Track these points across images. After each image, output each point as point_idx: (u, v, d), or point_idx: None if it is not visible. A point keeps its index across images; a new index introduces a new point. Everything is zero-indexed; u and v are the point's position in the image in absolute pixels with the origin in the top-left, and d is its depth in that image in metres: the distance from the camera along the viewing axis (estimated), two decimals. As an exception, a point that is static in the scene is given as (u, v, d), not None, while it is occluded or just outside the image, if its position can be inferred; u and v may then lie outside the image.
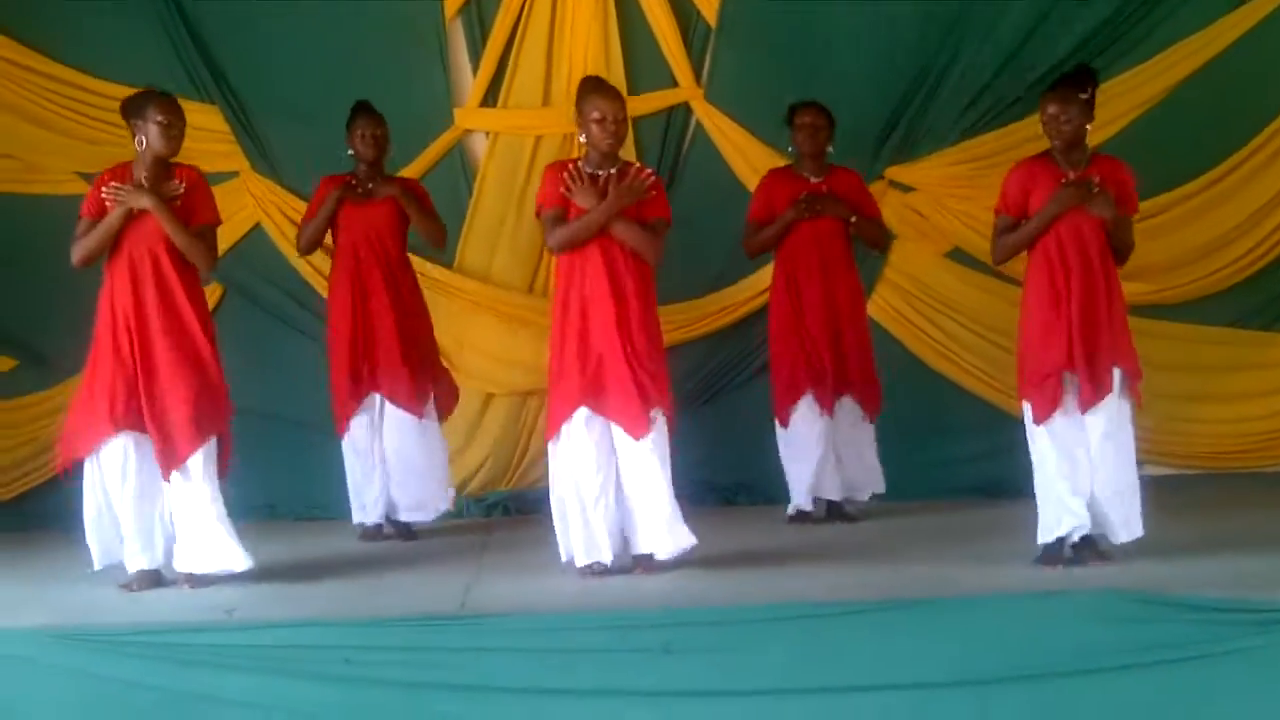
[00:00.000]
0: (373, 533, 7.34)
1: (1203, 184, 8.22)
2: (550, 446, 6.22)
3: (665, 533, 6.14)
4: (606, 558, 6.17)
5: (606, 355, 6.09)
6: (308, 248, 7.43)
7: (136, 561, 6.17)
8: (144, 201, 6.08)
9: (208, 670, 5.38)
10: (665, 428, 6.16)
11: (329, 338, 7.32)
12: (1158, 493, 7.57)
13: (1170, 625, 5.32)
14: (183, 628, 5.54)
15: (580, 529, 6.16)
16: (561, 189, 6.11)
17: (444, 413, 7.46)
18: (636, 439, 6.09)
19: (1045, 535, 6.06)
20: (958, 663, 5.34)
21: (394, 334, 7.20)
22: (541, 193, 6.22)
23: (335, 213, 7.23)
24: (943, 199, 8.22)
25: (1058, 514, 6.03)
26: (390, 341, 7.19)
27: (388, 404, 7.23)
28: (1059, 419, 6.04)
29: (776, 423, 7.34)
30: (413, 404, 7.24)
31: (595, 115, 6.11)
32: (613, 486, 6.16)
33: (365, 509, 7.32)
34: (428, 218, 7.34)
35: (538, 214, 6.26)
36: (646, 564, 6.21)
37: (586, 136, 6.16)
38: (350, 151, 7.29)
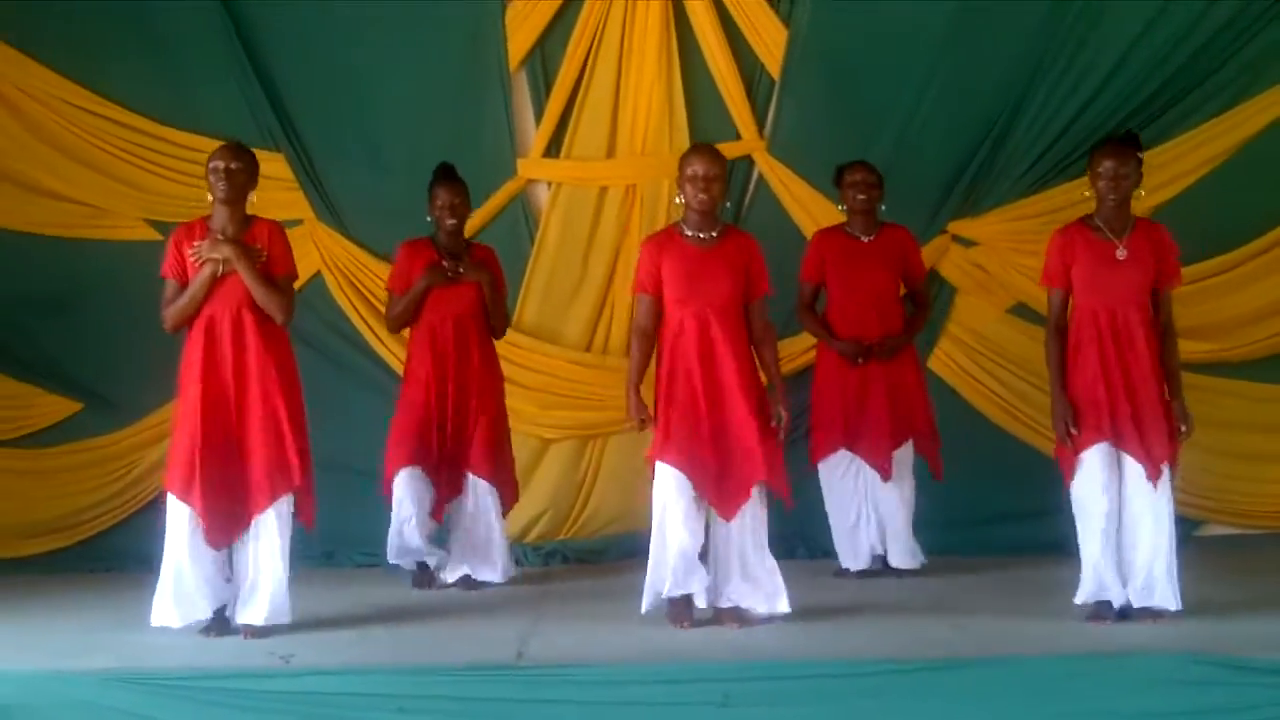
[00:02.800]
0: (427, 577, 7.34)
1: (1269, 241, 8.17)
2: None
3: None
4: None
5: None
6: (397, 328, 7.44)
7: (210, 607, 6.20)
8: (225, 251, 6.12)
9: (264, 716, 5.39)
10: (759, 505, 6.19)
11: (402, 403, 7.31)
12: (1219, 552, 7.57)
13: (1230, 688, 5.27)
14: (240, 673, 5.56)
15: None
16: None
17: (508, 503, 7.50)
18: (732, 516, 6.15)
19: (1083, 596, 6.12)
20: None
21: (487, 413, 7.27)
22: (636, 276, 6.32)
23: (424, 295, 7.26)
24: (1006, 254, 8.20)
25: (1094, 578, 6.09)
26: (481, 420, 7.25)
27: (474, 480, 7.25)
28: (1092, 485, 6.06)
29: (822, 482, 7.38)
30: (505, 486, 7.36)
31: (689, 172, 6.16)
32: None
33: (408, 551, 7.32)
34: (499, 310, 7.39)
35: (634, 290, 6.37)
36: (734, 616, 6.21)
37: (683, 195, 6.21)
38: (429, 218, 7.31)
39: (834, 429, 7.34)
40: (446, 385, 7.24)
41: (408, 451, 7.19)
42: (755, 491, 6.15)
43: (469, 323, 7.28)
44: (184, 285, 6.21)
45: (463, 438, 7.25)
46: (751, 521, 6.17)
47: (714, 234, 6.22)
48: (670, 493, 6.11)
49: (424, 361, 7.26)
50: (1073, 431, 6.10)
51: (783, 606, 6.17)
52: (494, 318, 7.37)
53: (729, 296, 6.18)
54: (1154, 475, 6.05)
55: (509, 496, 7.45)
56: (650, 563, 6.18)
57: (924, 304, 7.59)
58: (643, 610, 6.17)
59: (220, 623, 6.21)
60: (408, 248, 7.34)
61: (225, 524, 6.15)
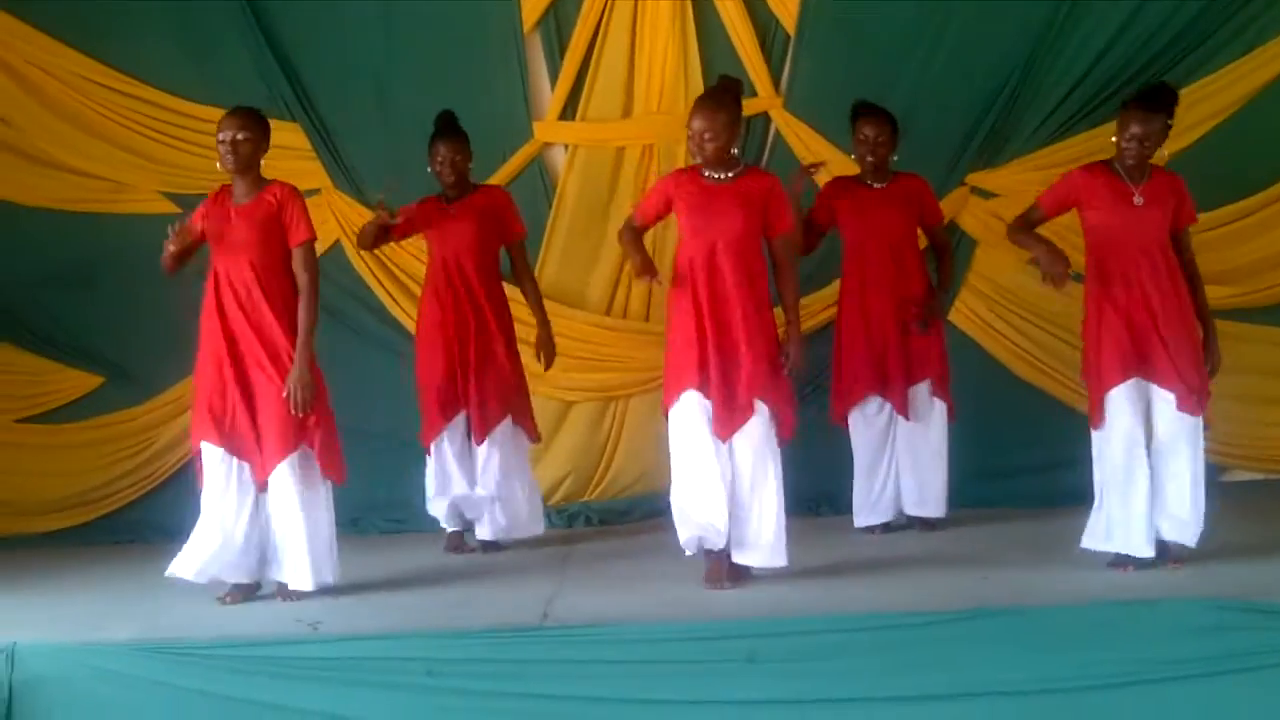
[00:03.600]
0: (457, 540, 7.37)
1: (1292, 184, 8.13)
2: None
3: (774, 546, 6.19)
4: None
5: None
6: (366, 244, 7.40)
7: (234, 574, 6.25)
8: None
9: (293, 683, 5.47)
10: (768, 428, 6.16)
11: (420, 350, 7.33)
12: (1243, 498, 7.56)
13: (1251, 633, 5.29)
14: (268, 641, 5.61)
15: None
16: None
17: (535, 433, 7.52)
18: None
19: (1105, 545, 6.16)
20: (1039, 672, 5.32)
21: (503, 352, 7.28)
22: (643, 201, 6.41)
23: (412, 230, 7.29)
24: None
25: (1109, 528, 6.13)
26: (498, 359, 7.26)
27: (499, 423, 7.26)
28: (1120, 430, 6.08)
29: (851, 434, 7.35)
30: (531, 423, 7.37)
31: (689, 129, 6.21)
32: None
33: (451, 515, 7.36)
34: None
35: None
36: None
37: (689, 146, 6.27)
38: (431, 171, 7.33)
39: (860, 377, 7.30)
40: (458, 325, 7.24)
41: (437, 419, 7.22)
42: (759, 412, 6.13)
43: (469, 261, 7.25)
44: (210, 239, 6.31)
45: (483, 378, 7.24)
46: (759, 447, 6.15)
47: (730, 174, 6.23)
48: (688, 421, 6.13)
49: (430, 307, 7.29)
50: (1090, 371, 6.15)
51: (779, 560, 6.18)
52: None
53: (742, 231, 6.18)
54: (1188, 405, 6.07)
55: (534, 429, 7.46)
56: (676, 505, 6.20)
57: (946, 251, 7.53)
58: (686, 551, 6.20)
59: (245, 588, 6.27)
60: (418, 203, 7.35)
61: (257, 464, 6.21)
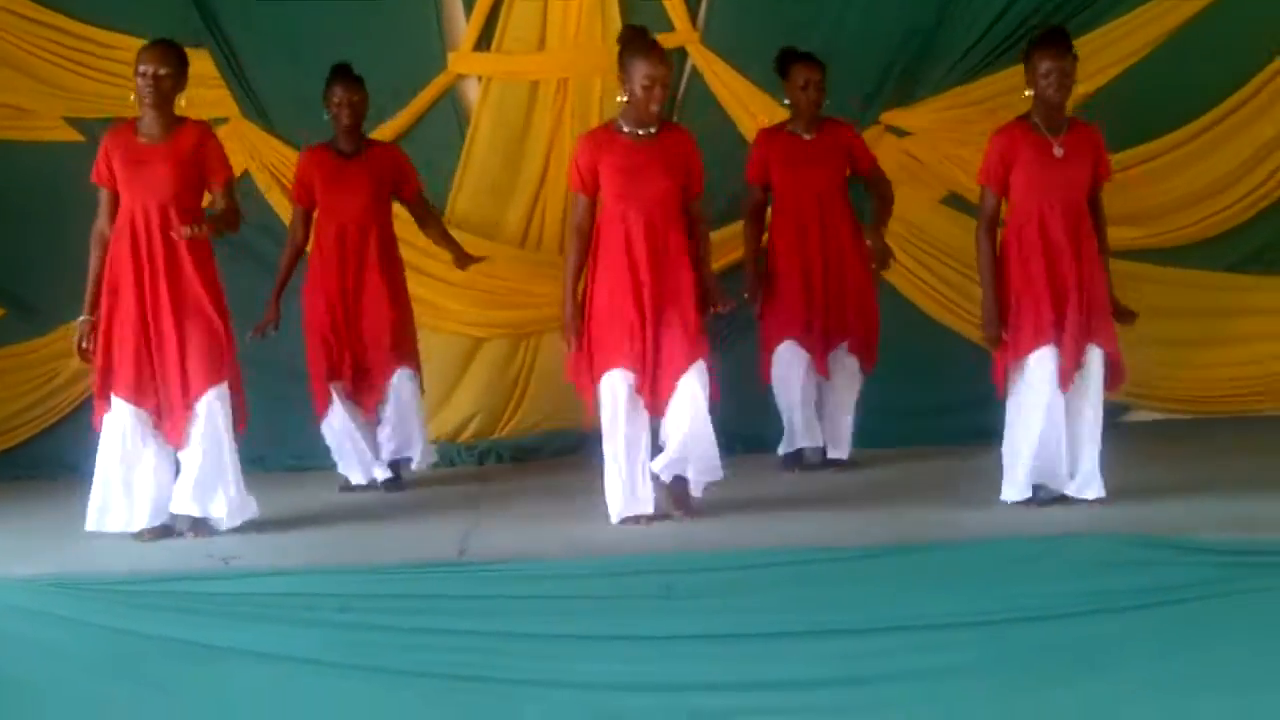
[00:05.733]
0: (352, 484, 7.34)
1: (1198, 128, 8.19)
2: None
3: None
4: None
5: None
6: (296, 246, 7.35)
7: (140, 519, 6.17)
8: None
9: (206, 619, 5.42)
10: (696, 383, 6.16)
11: (308, 316, 7.26)
12: (1145, 438, 7.67)
13: (1174, 568, 5.37)
14: (180, 576, 5.57)
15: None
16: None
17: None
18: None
19: (1009, 496, 6.20)
20: (959, 606, 5.38)
21: (391, 307, 7.22)
22: (571, 173, 6.32)
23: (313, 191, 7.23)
24: (939, 144, 8.17)
25: (1019, 483, 6.17)
26: (389, 318, 7.21)
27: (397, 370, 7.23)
28: (1041, 392, 6.10)
29: (772, 372, 7.34)
30: (410, 360, 7.31)
31: (644, 81, 6.07)
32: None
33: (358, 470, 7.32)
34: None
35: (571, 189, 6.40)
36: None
37: (629, 98, 6.14)
38: (326, 117, 7.23)
39: (789, 329, 7.29)
40: (343, 286, 7.19)
41: (325, 373, 7.18)
42: (694, 371, 6.14)
43: (366, 223, 7.19)
44: (113, 191, 6.16)
45: (370, 336, 7.20)
46: (693, 404, 6.15)
47: (652, 130, 6.19)
48: (616, 401, 6.13)
49: (320, 267, 7.22)
50: (1007, 336, 6.17)
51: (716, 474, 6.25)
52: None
53: (668, 193, 6.17)
54: (1111, 381, 6.19)
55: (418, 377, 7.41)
56: (608, 481, 6.20)
57: (884, 193, 7.45)
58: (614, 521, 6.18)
59: (158, 529, 6.18)
60: (306, 156, 7.29)
61: (175, 422, 6.12)
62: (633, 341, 6.11)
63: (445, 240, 7.48)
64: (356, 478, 7.29)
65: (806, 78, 7.26)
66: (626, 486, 6.15)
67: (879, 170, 7.51)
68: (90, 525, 6.12)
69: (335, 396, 7.19)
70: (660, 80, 6.09)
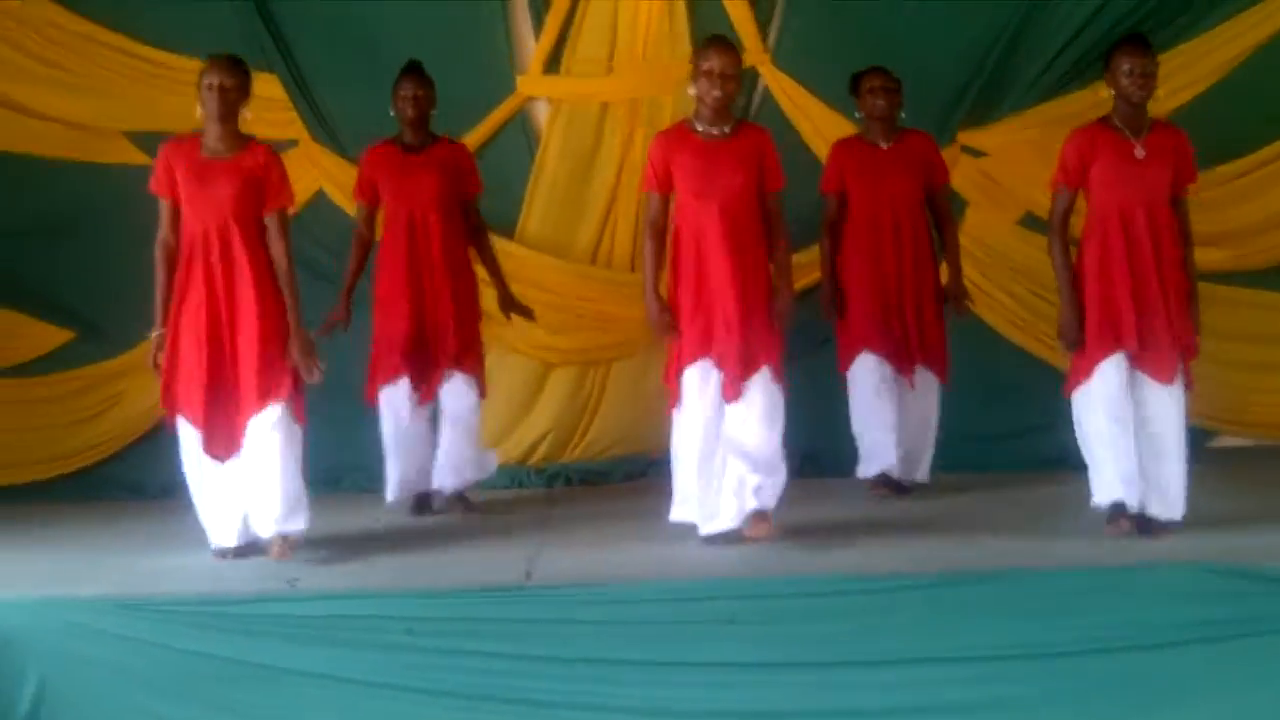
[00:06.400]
0: (424, 503, 7.26)
1: (1282, 148, 8.05)
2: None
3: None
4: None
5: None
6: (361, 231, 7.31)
7: (222, 538, 6.20)
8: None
9: (271, 640, 5.41)
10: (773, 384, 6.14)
11: (380, 307, 7.19)
12: (1233, 464, 7.51)
13: (1261, 599, 5.25)
14: (246, 598, 5.55)
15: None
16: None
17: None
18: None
19: (1100, 499, 6.06)
20: (1038, 636, 5.29)
21: (457, 306, 7.15)
22: (646, 173, 6.30)
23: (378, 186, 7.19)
24: (1016, 164, 8.03)
25: (1108, 482, 6.01)
26: (454, 315, 7.13)
27: (452, 373, 7.14)
28: (1108, 396, 5.99)
29: (850, 388, 7.24)
30: (483, 376, 7.25)
31: (705, 66, 6.10)
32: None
33: (408, 483, 7.23)
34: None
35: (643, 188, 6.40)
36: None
37: (696, 89, 6.15)
38: (393, 113, 7.20)
39: (869, 336, 7.18)
40: (412, 278, 7.11)
41: (390, 363, 7.11)
42: (764, 374, 6.10)
43: (430, 215, 7.12)
44: (175, 203, 6.16)
45: (435, 332, 7.13)
46: (766, 406, 6.11)
47: (726, 129, 6.17)
48: (694, 395, 6.09)
49: (388, 259, 7.15)
50: (1085, 342, 6.04)
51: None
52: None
53: (742, 189, 6.15)
54: (1170, 379, 6.00)
55: (485, 382, 7.32)
56: (678, 482, 6.18)
57: (946, 216, 7.39)
58: (671, 519, 6.17)
59: (240, 548, 6.20)
60: (369, 153, 7.25)
61: (225, 435, 6.11)
62: (716, 335, 6.08)
63: (493, 270, 7.41)
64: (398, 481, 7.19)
65: (873, 84, 7.23)
66: (703, 497, 6.09)
67: (948, 192, 7.46)
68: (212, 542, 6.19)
69: (389, 400, 7.12)
70: (720, 70, 6.07)
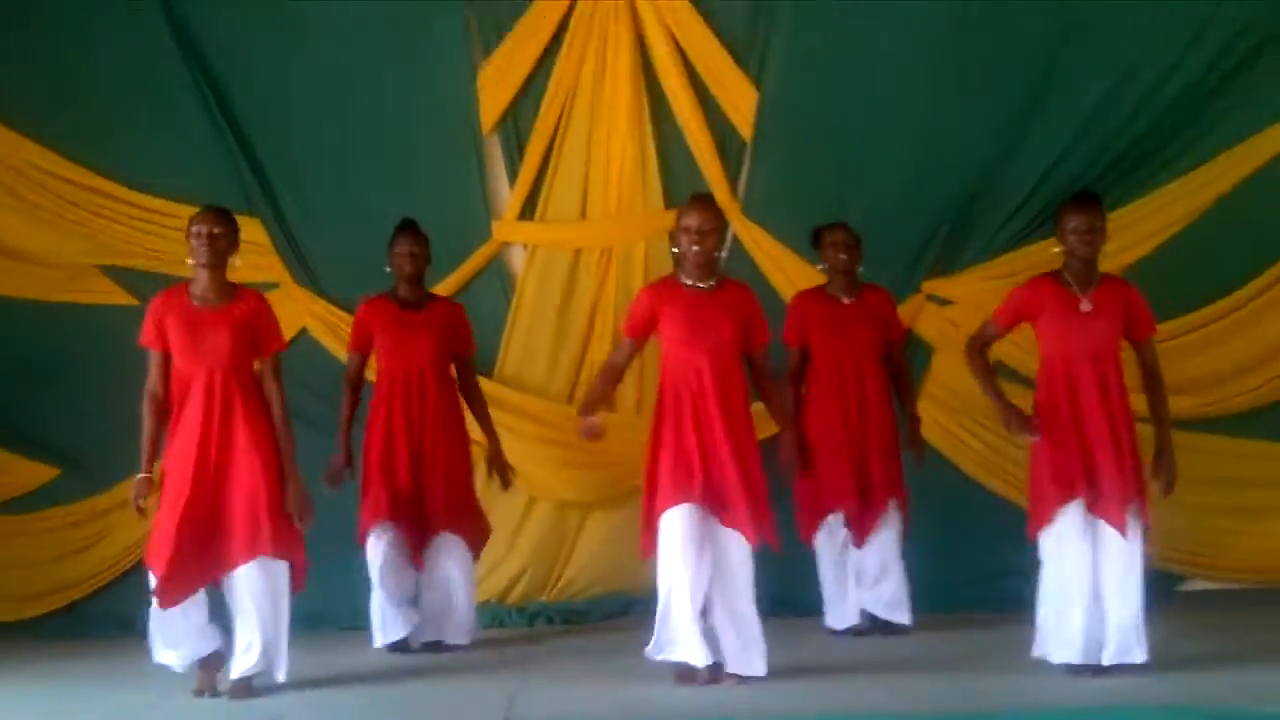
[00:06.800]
0: (402, 645, 7.23)
1: (1249, 293, 8.21)
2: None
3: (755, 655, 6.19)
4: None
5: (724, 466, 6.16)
6: (352, 379, 7.38)
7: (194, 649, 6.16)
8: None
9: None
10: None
11: (366, 454, 7.27)
12: (1201, 607, 7.58)
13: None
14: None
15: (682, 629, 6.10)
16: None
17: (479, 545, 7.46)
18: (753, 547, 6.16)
19: (1061, 655, 6.13)
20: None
21: (448, 464, 7.25)
22: (629, 318, 6.42)
23: (374, 340, 7.30)
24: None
25: (1068, 637, 6.09)
26: (445, 474, 7.23)
27: (444, 535, 7.20)
28: (1065, 544, 6.11)
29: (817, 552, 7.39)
30: (475, 536, 7.33)
31: (683, 224, 6.26)
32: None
33: (392, 625, 7.21)
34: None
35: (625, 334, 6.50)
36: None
37: (678, 247, 6.29)
38: (389, 269, 7.32)
39: (831, 492, 7.31)
40: (407, 433, 7.21)
41: (380, 511, 7.15)
42: (746, 547, 6.14)
43: (427, 372, 7.25)
44: (165, 353, 6.21)
45: (426, 489, 7.20)
46: (744, 574, 6.16)
47: (712, 283, 6.27)
48: (676, 538, 6.07)
49: (381, 412, 7.25)
50: (1044, 492, 6.18)
51: (759, 669, 6.17)
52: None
53: (730, 342, 6.24)
54: (1121, 525, 6.08)
55: (478, 541, 7.39)
56: (660, 616, 6.15)
57: (903, 371, 7.61)
58: (651, 656, 6.15)
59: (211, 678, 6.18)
60: (366, 307, 7.37)
61: (185, 582, 6.09)
62: (694, 477, 6.11)
63: (485, 423, 7.52)
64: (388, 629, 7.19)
65: (835, 238, 7.41)
66: (682, 633, 6.07)
67: (903, 346, 7.69)
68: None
69: (379, 537, 7.15)
70: (698, 227, 6.21)
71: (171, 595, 6.04)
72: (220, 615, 6.23)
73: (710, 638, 6.14)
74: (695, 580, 6.09)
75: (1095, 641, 6.07)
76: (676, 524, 6.09)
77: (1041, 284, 6.32)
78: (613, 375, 6.52)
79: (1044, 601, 6.21)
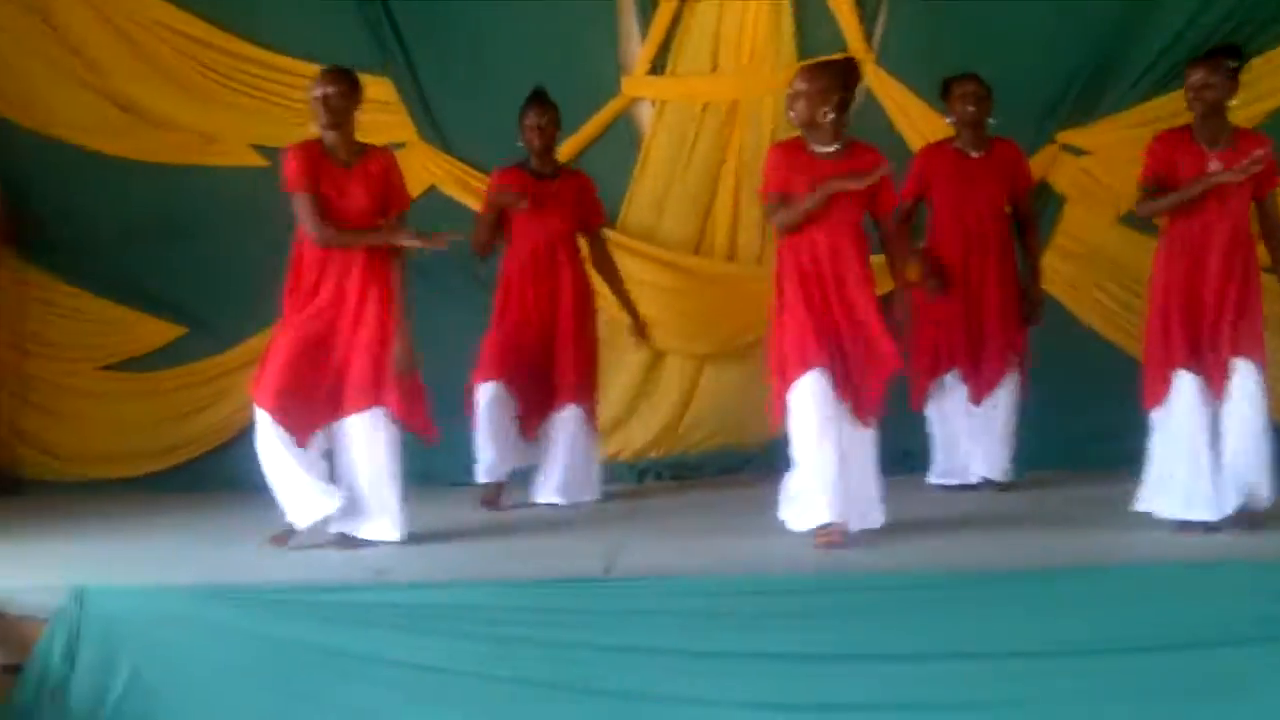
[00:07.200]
0: (494, 494, 7.35)
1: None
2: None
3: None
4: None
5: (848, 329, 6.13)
6: (480, 251, 7.43)
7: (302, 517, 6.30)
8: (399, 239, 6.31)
9: (358, 628, 5.51)
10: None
11: (499, 322, 7.37)
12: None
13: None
14: (334, 587, 5.66)
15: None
16: None
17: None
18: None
19: (1168, 510, 6.11)
20: (1109, 631, 5.27)
21: (578, 338, 7.35)
22: (765, 179, 6.25)
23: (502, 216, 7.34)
24: (1117, 163, 7.93)
25: (1185, 496, 6.04)
26: (575, 348, 7.33)
27: (567, 405, 7.31)
28: (1181, 407, 6.05)
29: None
30: (594, 408, 7.45)
31: (789, 90, 6.17)
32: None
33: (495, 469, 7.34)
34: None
35: (763, 200, 6.34)
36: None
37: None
38: (519, 142, 7.36)
39: (949, 353, 7.31)
40: (538, 306, 7.30)
41: (495, 368, 7.25)
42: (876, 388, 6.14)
43: (559, 245, 7.33)
44: (320, 198, 6.27)
45: (553, 360, 7.31)
46: (871, 432, 6.18)
47: (835, 148, 6.15)
48: (811, 404, 6.03)
49: (514, 284, 7.33)
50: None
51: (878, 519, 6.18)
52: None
53: (853, 210, 6.14)
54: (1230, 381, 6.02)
55: (595, 413, 7.50)
56: (798, 486, 6.12)
57: (1030, 223, 7.47)
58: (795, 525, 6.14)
59: (299, 534, 6.34)
60: (499, 174, 7.40)
61: (305, 420, 6.26)
62: (826, 343, 6.07)
63: (624, 298, 7.59)
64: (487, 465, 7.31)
65: (964, 89, 7.25)
66: (828, 495, 6.03)
67: (1033, 198, 7.53)
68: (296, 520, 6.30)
69: (495, 390, 7.25)
70: (793, 92, 6.11)
71: (285, 424, 6.20)
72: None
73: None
74: (825, 446, 6.03)
75: (1203, 497, 6.01)
76: (809, 390, 6.03)
77: (1171, 138, 6.19)
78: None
79: (1152, 458, 6.16)
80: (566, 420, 7.32)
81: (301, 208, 6.26)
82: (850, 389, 6.09)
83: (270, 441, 6.22)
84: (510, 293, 7.34)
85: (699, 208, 8.32)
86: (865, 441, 6.15)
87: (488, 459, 7.30)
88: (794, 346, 6.09)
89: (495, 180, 7.41)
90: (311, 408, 6.27)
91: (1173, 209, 6.15)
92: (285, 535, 6.33)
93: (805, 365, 6.03)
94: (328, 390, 6.29)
